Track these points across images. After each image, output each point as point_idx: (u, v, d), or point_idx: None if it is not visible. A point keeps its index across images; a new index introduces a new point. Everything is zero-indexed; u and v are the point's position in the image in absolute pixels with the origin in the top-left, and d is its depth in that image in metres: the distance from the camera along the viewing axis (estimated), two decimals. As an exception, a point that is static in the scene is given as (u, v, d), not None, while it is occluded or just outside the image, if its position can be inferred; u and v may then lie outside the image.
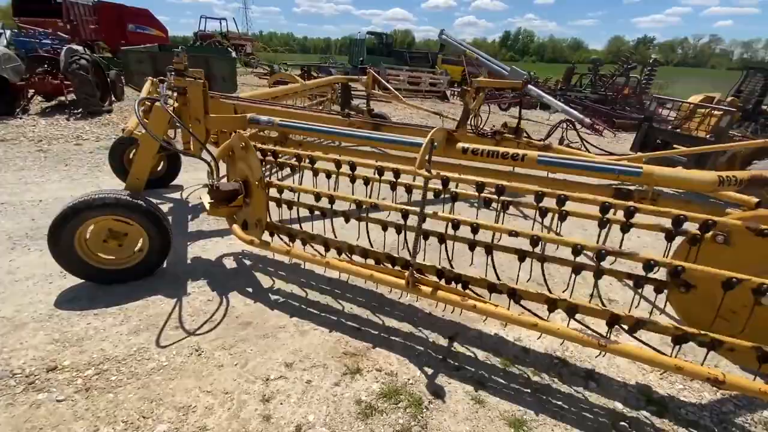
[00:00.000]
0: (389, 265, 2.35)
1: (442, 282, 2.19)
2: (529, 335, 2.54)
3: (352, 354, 2.27)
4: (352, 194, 2.38)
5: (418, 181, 2.06)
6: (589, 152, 6.61)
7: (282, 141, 3.21)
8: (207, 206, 2.75)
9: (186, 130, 2.88)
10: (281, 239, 2.68)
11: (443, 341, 2.45)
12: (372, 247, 2.40)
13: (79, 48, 7.86)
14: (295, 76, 6.53)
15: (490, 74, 22.79)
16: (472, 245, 2.11)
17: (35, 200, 3.95)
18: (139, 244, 2.75)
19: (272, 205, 2.66)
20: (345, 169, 2.44)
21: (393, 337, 2.44)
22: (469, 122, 4.80)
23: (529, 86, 9.02)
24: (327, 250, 2.53)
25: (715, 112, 6.14)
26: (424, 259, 2.25)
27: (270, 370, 2.11)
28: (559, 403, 2.06)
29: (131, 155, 4.26)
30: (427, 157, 2.00)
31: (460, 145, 2.47)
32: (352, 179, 2.41)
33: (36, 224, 3.46)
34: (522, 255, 2.03)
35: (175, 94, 2.95)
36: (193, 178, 4.87)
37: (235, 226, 2.75)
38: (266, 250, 2.65)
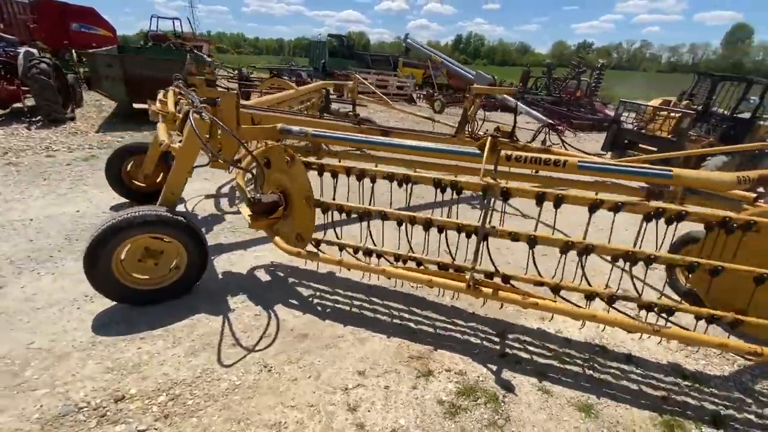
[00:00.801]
0: (450, 271, 2.45)
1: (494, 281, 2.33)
2: (567, 327, 2.75)
3: (417, 357, 2.34)
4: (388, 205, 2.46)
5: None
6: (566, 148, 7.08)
7: (312, 151, 3.20)
8: (248, 219, 2.70)
9: (240, 143, 2.70)
10: (321, 249, 2.68)
11: (495, 338, 2.59)
12: (426, 254, 2.49)
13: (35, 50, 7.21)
14: (288, 81, 6.41)
15: (453, 77, 23.52)
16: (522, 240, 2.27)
17: (24, 219, 3.61)
18: (175, 262, 2.64)
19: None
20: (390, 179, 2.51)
21: (448, 338, 2.55)
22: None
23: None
24: (378, 257, 2.58)
25: (673, 115, 6.85)
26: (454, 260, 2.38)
27: (345, 380, 2.14)
28: (613, 385, 2.27)
29: (128, 167, 4.04)
30: (492, 167, 2.12)
31: (503, 152, 2.62)
32: (407, 191, 2.48)
33: (35, 245, 3.19)
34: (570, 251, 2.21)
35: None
36: (194, 190, 4.67)
37: (278, 239, 2.72)
38: (314, 261, 2.65)
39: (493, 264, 2.38)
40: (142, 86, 7.17)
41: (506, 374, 2.27)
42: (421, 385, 2.14)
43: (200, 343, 2.32)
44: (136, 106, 7.27)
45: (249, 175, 2.85)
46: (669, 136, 6.70)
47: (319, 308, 2.76)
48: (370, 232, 2.63)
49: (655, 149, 6.84)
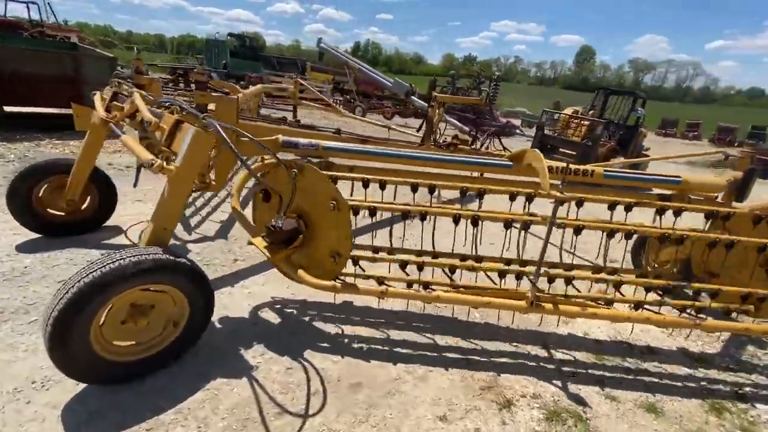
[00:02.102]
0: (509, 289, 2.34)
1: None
2: (590, 328, 2.87)
3: (488, 387, 2.18)
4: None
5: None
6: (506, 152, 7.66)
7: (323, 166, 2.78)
8: (266, 253, 2.21)
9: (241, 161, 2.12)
10: (342, 277, 2.35)
11: (541, 350, 2.57)
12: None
13: None
14: (233, 85, 5.56)
15: (363, 83, 23.78)
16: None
17: None
18: (172, 316, 2.02)
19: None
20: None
21: (503, 360, 2.44)
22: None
23: (413, 97, 9.90)
24: (426, 285, 2.35)
25: (583, 123, 7.93)
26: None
27: (431, 430, 1.87)
28: (656, 379, 2.42)
29: (41, 192, 3.05)
30: (559, 181, 2.08)
31: (526, 162, 2.61)
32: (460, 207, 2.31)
33: None
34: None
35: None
36: (128, 215, 3.75)
37: (303, 273, 2.28)
38: (353, 294, 2.29)
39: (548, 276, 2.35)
40: (17, 85, 5.61)
41: (573, 388, 2.25)
42: (508, 419, 1.98)
43: (236, 420, 1.80)
44: (8, 109, 5.63)
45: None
46: (584, 141, 7.76)
47: (355, 347, 2.40)
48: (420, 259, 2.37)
49: (574, 153, 7.85)
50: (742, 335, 2.90)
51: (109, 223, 3.49)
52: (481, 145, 9.50)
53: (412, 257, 2.47)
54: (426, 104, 9.22)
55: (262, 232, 2.31)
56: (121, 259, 1.74)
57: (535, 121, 25.88)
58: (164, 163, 1.91)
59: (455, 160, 2.68)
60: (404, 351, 2.42)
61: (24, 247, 2.99)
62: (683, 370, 2.55)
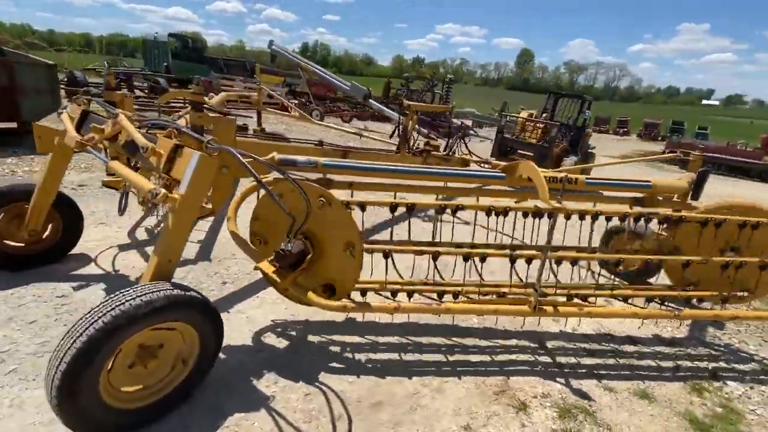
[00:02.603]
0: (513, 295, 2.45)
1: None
2: (577, 324, 3.08)
3: (501, 392, 2.28)
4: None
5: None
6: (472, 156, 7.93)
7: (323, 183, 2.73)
8: (275, 279, 2.15)
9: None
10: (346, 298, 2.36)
11: (540, 350, 2.72)
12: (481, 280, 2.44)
13: None
14: (219, 95, 5.20)
15: (315, 86, 23.47)
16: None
17: None
18: (181, 354, 1.91)
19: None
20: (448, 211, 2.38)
21: (508, 362, 2.55)
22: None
23: (370, 100, 10.03)
24: (440, 296, 2.41)
25: (538, 125, 8.45)
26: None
27: (458, 442, 1.92)
28: (642, 366, 2.66)
29: None
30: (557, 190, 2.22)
31: (520, 173, 2.76)
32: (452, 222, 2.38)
33: None
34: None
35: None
36: (93, 240, 3.44)
37: (313, 295, 2.24)
38: (366, 312, 2.29)
39: (557, 279, 2.50)
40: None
41: (575, 384, 2.41)
42: (526, 421, 2.09)
43: (265, 456, 1.74)
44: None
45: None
46: (540, 143, 8.27)
47: (369, 365, 2.40)
48: (437, 268, 2.42)
49: (531, 154, 8.34)
50: (707, 320, 3.24)
51: (75, 251, 3.18)
52: (450, 150, 9.76)
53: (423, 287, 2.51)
54: (384, 107, 9.33)
55: (268, 257, 2.24)
56: (131, 299, 1.61)
57: (485, 121, 26.98)
58: (168, 194, 1.79)
59: (453, 173, 2.76)
60: (416, 363, 2.45)
61: (-20, 285, 2.65)
62: (662, 356, 2.82)
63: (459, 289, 2.50)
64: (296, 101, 19.91)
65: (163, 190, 1.78)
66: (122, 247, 3.45)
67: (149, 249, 3.48)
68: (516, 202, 2.52)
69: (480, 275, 2.47)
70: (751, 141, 29.34)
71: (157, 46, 25.62)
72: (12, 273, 2.79)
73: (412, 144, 5.69)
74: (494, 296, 2.54)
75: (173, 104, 10.43)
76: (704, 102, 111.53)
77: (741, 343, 3.12)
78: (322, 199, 2.13)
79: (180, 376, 1.91)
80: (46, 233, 2.98)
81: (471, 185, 2.82)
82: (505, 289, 2.53)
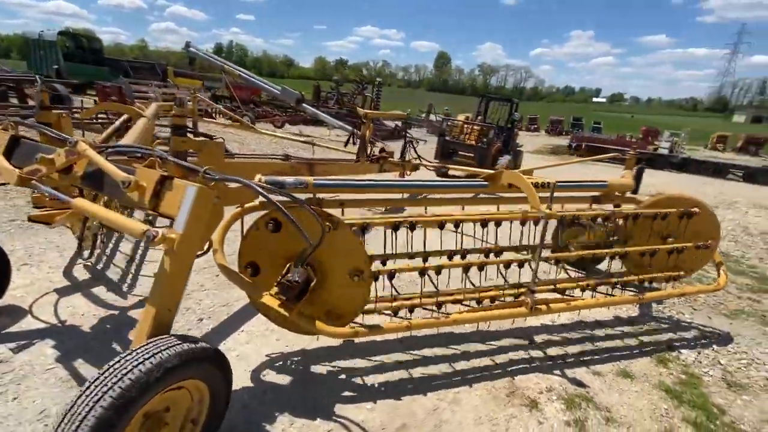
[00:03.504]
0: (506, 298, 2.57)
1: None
2: (555, 316, 3.34)
3: (511, 393, 2.38)
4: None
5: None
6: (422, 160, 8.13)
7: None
8: (282, 313, 2.00)
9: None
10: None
11: (531, 347, 2.89)
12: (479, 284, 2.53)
13: None
14: (135, 108, 4.48)
15: (238, 88, 22.30)
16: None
17: None
18: (190, 413, 1.68)
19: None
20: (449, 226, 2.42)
21: (508, 363, 2.67)
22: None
23: (304, 104, 9.92)
24: (439, 307, 2.44)
25: (475, 127, 8.98)
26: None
27: (490, 451, 1.97)
28: (614, 347, 2.97)
29: None
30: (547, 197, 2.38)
31: (503, 181, 2.91)
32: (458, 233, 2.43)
33: None
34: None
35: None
36: (21, 285, 2.88)
37: (321, 324, 2.12)
38: (378, 335, 2.23)
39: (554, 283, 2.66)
40: None
41: (570, 374, 2.61)
42: (541, 417, 2.21)
43: None
44: None
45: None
46: (479, 144, 8.79)
47: (381, 388, 2.34)
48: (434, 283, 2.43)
49: (471, 155, 8.83)
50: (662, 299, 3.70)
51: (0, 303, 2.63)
52: (402, 155, 9.89)
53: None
54: (315, 110, 9.14)
55: (266, 289, 2.08)
56: (139, 364, 1.37)
57: (413, 123, 27.78)
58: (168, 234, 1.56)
59: (440, 185, 2.82)
60: (426, 378, 2.45)
61: None
62: (626, 335, 3.18)
63: (460, 297, 2.56)
64: (220, 106, 18.68)
65: (161, 231, 1.55)
66: (61, 292, 2.93)
67: (97, 290, 3.00)
68: (510, 212, 2.64)
69: (473, 284, 2.55)
70: (635, 132, 34.50)
71: (44, 46, 22.19)
72: None
73: (369, 152, 5.69)
74: (490, 301, 2.63)
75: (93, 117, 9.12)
76: (594, 100, 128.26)
77: (679, 314, 3.64)
78: (329, 223, 2.03)
79: (189, 439, 1.68)
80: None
81: (451, 195, 2.90)
82: (497, 293, 2.63)
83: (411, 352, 2.69)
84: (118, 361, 1.38)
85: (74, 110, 10.00)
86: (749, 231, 7.46)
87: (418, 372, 2.50)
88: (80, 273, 3.22)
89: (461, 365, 2.61)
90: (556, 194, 3.02)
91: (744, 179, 17.50)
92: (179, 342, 1.53)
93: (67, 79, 19.64)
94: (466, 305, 2.59)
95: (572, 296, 2.79)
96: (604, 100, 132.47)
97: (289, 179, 2.39)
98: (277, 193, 1.95)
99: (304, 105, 9.12)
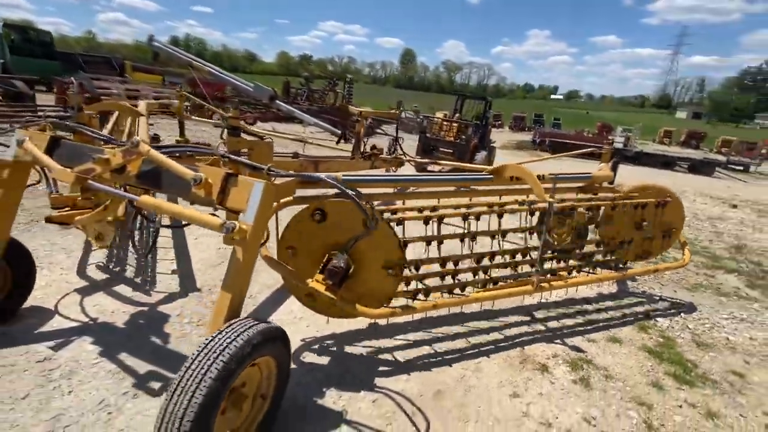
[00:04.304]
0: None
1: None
2: (549, 293, 3.72)
3: (524, 360, 2.70)
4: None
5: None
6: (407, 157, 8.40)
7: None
8: (331, 297, 2.19)
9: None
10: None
11: (534, 320, 3.24)
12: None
13: None
14: (127, 105, 4.35)
15: (202, 84, 21.48)
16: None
17: None
18: (259, 390, 1.86)
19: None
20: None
21: (517, 335, 3.00)
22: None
23: (277, 101, 9.94)
24: (463, 288, 2.71)
25: (454, 124, 9.38)
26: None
27: (515, 408, 2.27)
28: (601, 319, 3.38)
29: None
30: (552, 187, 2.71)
31: (507, 175, 3.21)
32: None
33: None
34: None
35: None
36: (38, 286, 2.87)
37: (361, 307, 2.33)
38: (410, 314, 2.47)
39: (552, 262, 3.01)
40: None
41: (570, 342, 2.97)
42: (552, 378, 2.54)
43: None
44: None
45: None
46: (458, 141, 9.20)
47: (412, 363, 2.59)
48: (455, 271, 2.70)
49: (451, 151, 9.22)
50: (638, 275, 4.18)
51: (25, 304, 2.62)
52: (391, 150, 10.10)
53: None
54: (290, 107, 9.22)
55: (311, 277, 2.26)
56: (232, 341, 1.54)
57: (383, 120, 27.89)
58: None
59: (450, 179, 3.08)
60: (449, 352, 2.73)
61: None
62: (610, 308, 3.61)
63: (472, 279, 2.83)
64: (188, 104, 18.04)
65: (238, 224, 1.71)
66: (82, 291, 2.94)
67: (119, 289, 3.03)
68: (520, 204, 2.95)
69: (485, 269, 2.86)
70: (591, 128, 36.65)
71: (-15, 39, 20.38)
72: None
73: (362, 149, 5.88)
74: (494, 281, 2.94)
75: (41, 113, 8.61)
76: (552, 97, 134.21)
77: (650, 289, 4.15)
78: (373, 219, 2.23)
79: (261, 412, 1.85)
80: (-5, 289, 2.42)
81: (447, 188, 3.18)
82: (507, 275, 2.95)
83: (430, 330, 2.95)
84: (213, 340, 1.54)
85: (38, 107, 9.45)
86: (698, 216, 8.36)
87: (440, 347, 2.77)
88: (95, 273, 3.23)
89: (476, 340, 2.90)
90: (548, 185, 3.40)
91: (689, 170, 19.22)
92: (257, 322, 1.70)
93: (14, 73, 18.25)
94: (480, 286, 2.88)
95: (566, 275, 3.15)
96: (561, 97, 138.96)
97: (323, 175, 2.56)
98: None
99: (278, 102, 9.12)
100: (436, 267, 2.69)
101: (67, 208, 2.89)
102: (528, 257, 3.01)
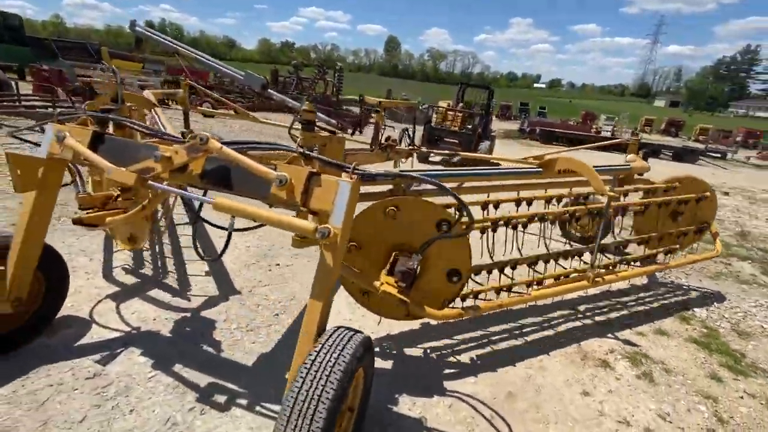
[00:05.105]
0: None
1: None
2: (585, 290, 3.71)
3: (584, 357, 2.67)
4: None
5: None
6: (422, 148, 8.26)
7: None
8: (401, 297, 2.07)
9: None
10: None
11: (580, 314, 3.22)
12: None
13: None
14: (143, 95, 4.02)
15: (190, 73, 20.75)
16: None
17: None
18: (348, 403, 1.75)
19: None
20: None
21: (567, 332, 2.97)
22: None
23: (270, 90, 9.67)
24: (529, 285, 2.65)
25: (458, 114, 9.27)
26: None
27: (589, 406, 2.24)
28: (644, 309, 3.39)
29: None
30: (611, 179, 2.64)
31: (558, 167, 3.13)
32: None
33: None
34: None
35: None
36: (77, 291, 2.66)
37: (429, 308, 2.24)
38: (476, 314, 2.39)
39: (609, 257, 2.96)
40: None
41: (621, 335, 2.97)
42: (616, 374, 2.52)
43: None
44: None
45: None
46: (464, 130, 9.11)
47: (477, 363, 2.53)
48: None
49: (457, 141, 9.13)
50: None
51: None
52: (402, 141, 9.90)
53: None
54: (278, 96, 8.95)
55: (381, 280, 2.15)
56: (339, 356, 1.43)
57: (372, 109, 27.36)
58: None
59: (497, 172, 2.98)
60: (509, 351, 2.68)
61: (-50, 393, 1.85)
62: (648, 299, 3.63)
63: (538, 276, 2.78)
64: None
65: (331, 227, 1.57)
66: (115, 297, 2.74)
67: (153, 293, 2.84)
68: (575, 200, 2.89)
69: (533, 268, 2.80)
70: (575, 116, 37.15)
71: (-53, 23, 18.94)
72: (-6, 364, 2.01)
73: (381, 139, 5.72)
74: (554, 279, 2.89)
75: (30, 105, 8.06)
76: (535, 85, 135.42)
77: (678, 279, 4.20)
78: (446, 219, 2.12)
79: (350, 426, 1.75)
80: (35, 296, 2.21)
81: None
82: (563, 272, 2.90)
83: (485, 329, 2.89)
84: (319, 356, 1.42)
85: (22, 97, 8.85)
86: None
87: (498, 347, 2.72)
88: (123, 277, 3.02)
89: (531, 337, 2.86)
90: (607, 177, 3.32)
91: (673, 158, 19.75)
92: (353, 332, 1.59)
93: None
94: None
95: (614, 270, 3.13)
96: (543, 85, 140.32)
97: (380, 172, 2.43)
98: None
99: (270, 91, 8.82)
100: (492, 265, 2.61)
101: (96, 209, 2.68)
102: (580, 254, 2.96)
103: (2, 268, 2.02)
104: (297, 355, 1.58)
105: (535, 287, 2.72)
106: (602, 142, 5.08)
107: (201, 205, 2.09)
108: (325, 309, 1.66)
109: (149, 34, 11.14)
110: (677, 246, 3.68)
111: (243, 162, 1.69)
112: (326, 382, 1.34)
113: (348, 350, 1.46)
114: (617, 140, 5.78)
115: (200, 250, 2.22)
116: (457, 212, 2.10)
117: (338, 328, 1.61)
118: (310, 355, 1.44)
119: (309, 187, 1.70)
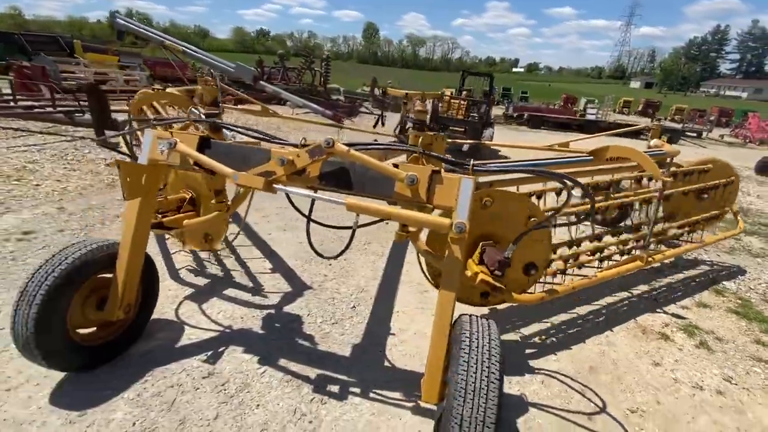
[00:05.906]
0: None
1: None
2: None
3: (644, 331, 2.89)
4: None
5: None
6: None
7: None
8: (499, 285, 2.21)
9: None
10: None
11: (627, 292, 3.44)
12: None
13: None
14: (178, 92, 3.91)
15: (162, 65, 20.04)
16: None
17: None
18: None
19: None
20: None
21: (621, 308, 3.19)
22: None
23: (262, 82, 9.61)
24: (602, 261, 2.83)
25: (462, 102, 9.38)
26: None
27: (663, 377, 2.44)
28: (679, 285, 3.64)
29: (76, 310, 1.96)
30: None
31: (609, 155, 3.29)
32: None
33: None
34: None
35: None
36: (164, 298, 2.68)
37: (516, 294, 2.38)
38: (555, 297, 2.55)
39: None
40: None
41: (670, 310, 3.20)
42: (677, 345, 2.75)
43: None
44: None
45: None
46: (469, 118, 9.24)
47: (551, 342, 2.70)
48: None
49: (462, 129, 9.25)
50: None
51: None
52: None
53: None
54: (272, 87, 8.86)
55: (472, 269, 2.27)
56: (491, 339, 1.56)
57: (357, 98, 27.09)
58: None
59: (552, 161, 3.12)
60: (576, 330, 2.86)
61: (69, 403, 1.89)
62: (683, 277, 3.88)
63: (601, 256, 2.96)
64: (158, 87, 16.78)
65: (465, 222, 1.68)
66: (193, 298, 2.79)
67: (228, 292, 2.89)
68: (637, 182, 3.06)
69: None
70: (556, 99, 37.69)
71: None
72: (93, 373, 2.05)
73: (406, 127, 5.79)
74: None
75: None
76: (514, 70, 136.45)
77: (699, 256, 4.48)
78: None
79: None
80: (134, 311, 2.23)
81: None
82: (618, 251, 3.09)
83: (543, 313, 3.06)
84: (474, 343, 1.54)
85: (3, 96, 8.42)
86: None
87: (566, 327, 2.90)
88: (191, 278, 3.05)
89: (591, 317, 3.05)
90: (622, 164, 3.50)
91: (657, 139, 20.43)
92: (478, 317, 1.72)
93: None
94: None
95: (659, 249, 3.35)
96: (522, 69, 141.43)
97: (495, 164, 2.51)
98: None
99: (262, 83, 8.71)
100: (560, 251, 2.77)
101: (170, 212, 2.70)
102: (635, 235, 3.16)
103: (105, 275, 2.05)
104: (433, 347, 1.71)
105: (598, 269, 2.91)
106: (624, 129, 5.27)
107: (312, 206, 2.15)
108: (454, 299, 1.78)
109: (131, 26, 10.70)
110: (710, 225, 3.93)
111: (371, 163, 1.76)
112: (489, 367, 1.47)
113: (493, 335, 1.58)
114: (638, 126, 5.99)
115: (317, 249, 2.26)
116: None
117: (468, 316, 1.73)
118: (467, 341, 1.55)
119: (431, 184, 1.80)
